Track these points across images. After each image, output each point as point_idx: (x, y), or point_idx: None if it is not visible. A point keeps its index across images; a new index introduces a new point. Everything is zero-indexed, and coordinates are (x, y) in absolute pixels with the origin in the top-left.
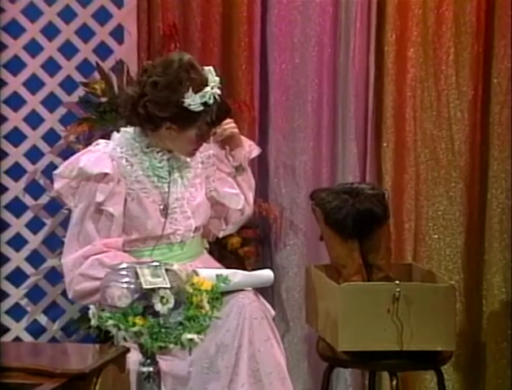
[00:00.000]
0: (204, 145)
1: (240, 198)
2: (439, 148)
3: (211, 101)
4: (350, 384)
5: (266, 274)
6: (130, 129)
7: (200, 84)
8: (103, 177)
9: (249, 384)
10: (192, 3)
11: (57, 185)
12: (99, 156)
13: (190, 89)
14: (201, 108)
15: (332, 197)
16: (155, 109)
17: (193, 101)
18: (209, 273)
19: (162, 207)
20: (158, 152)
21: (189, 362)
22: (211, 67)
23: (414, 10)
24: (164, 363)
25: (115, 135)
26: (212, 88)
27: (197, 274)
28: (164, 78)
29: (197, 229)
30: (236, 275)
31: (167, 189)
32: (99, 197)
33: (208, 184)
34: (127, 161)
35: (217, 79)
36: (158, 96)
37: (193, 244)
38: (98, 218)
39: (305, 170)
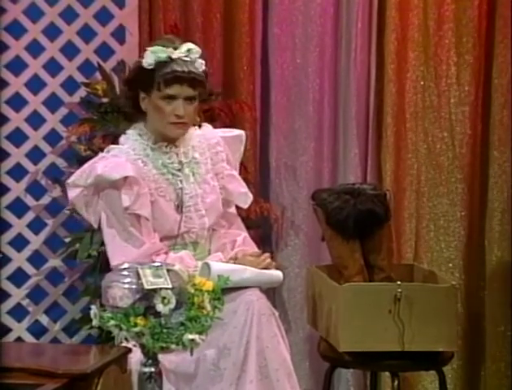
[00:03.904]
0: (212, 140)
1: (248, 197)
2: (440, 148)
3: (164, 58)
4: (352, 385)
5: (276, 274)
6: (133, 130)
7: (160, 46)
8: (125, 181)
9: (256, 380)
10: (193, 4)
11: (71, 195)
12: (116, 161)
13: (147, 50)
14: (152, 64)
15: (334, 198)
16: (126, 77)
17: (145, 59)
18: (221, 267)
19: (177, 204)
20: (166, 146)
21: (196, 359)
22: (192, 44)
23: (415, 10)
24: (169, 361)
25: (123, 139)
26: (174, 50)
27: (209, 266)
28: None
29: (210, 227)
30: (246, 272)
31: (180, 185)
32: (125, 202)
33: (217, 182)
34: (142, 162)
35: (191, 49)
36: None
37: (205, 246)
38: (135, 221)
39: (306, 170)
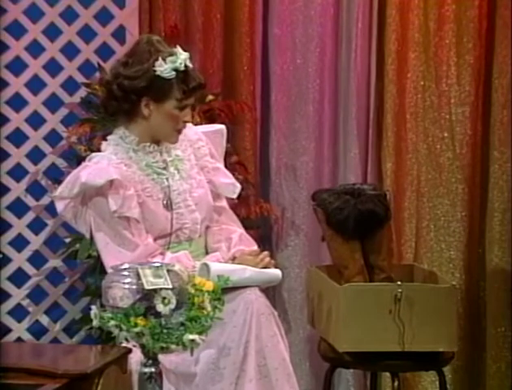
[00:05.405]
0: (193, 137)
1: (235, 187)
2: (440, 149)
3: (182, 67)
4: (352, 385)
5: (275, 273)
6: (114, 135)
7: (169, 55)
8: (110, 186)
9: (256, 379)
10: (193, 4)
11: (59, 208)
12: (99, 167)
13: (160, 58)
14: (173, 74)
15: (334, 198)
16: (130, 83)
17: (164, 68)
18: (220, 267)
19: (165, 202)
20: (149, 146)
21: (196, 359)
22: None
23: (415, 10)
24: (169, 361)
25: (103, 146)
26: (181, 56)
27: (208, 267)
28: (134, 56)
29: (202, 222)
30: (246, 271)
31: (167, 183)
32: (113, 206)
33: (204, 176)
34: (125, 165)
35: (186, 53)
36: (131, 71)
37: (200, 243)
38: (126, 224)
39: (306, 170)
